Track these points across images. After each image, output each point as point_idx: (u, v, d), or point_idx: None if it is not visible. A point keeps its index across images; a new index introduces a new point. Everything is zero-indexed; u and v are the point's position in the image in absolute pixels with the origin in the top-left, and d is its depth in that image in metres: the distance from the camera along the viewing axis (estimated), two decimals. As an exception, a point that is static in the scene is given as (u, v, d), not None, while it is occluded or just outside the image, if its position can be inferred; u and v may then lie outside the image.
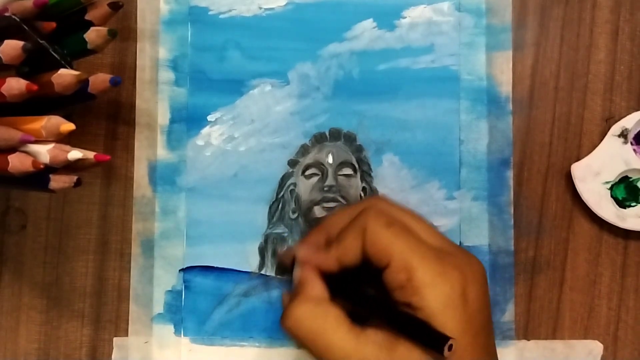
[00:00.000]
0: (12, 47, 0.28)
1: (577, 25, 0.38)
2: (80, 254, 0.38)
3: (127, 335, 0.37)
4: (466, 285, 0.28)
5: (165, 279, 0.37)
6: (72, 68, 0.31)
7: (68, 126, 0.28)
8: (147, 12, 0.38)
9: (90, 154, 0.29)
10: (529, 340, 0.37)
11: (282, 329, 0.30)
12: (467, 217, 0.37)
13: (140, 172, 0.37)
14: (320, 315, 0.29)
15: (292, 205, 0.37)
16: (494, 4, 0.38)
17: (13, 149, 0.28)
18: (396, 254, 0.28)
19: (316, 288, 0.31)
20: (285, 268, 0.36)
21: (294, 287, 0.32)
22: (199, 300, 0.37)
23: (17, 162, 0.27)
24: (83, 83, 0.30)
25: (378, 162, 0.38)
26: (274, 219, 0.37)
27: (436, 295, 0.28)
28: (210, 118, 0.38)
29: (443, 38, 0.38)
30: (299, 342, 0.30)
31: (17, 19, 0.29)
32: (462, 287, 0.28)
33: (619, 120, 0.37)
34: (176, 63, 0.38)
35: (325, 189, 0.37)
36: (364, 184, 0.37)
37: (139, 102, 0.38)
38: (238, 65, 0.38)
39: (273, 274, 0.37)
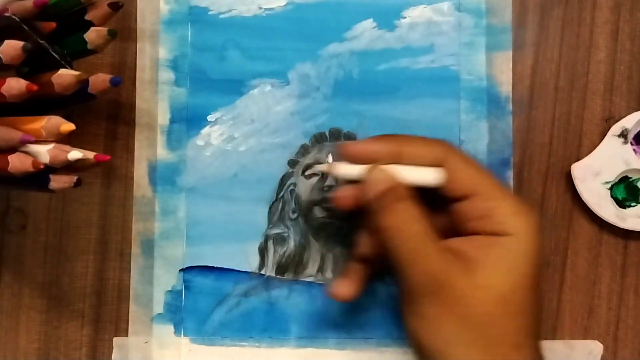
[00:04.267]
0: (12, 47, 0.28)
1: (577, 25, 0.38)
2: (80, 254, 0.38)
3: (127, 335, 0.37)
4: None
5: (165, 279, 0.37)
6: (72, 68, 0.31)
7: (68, 126, 0.28)
8: (147, 12, 0.38)
9: (90, 154, 0.29)
10: (529, 340, 0.37)
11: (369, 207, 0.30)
12: (467, 217, 0.37)
13: (140, 172, 0.37)
14: (422, 218, 0.29)
15: (292, 205, 0.37)
16: (494, 4, 0.38)
17: (13, 149, 0.28)
18: (481, 185, 0.30)
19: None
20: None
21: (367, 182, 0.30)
22: (199, 300, 0.37)
23: (17, 162, 0.27)
24: (83, 83, 0.30)
25: (378, 162, 0.37)
26: (274, 219, 0.37)
27: (523, 222, 0.29)
28: (210, 118, 0.38)
29: (443, 38, 0.38)
30: (390, 233, 0.29)
31: (17, 19, 0.29)
32: (537, 221, 0.30)
33: (619, 120, 0.37)
34: (176, 63, 0.38)
35: (325, 189, 0.37)
36: (364, 184, 0.37)
37: (139, 102, 0.38)
38: (238, 65, 0.38)
39: (273, 274, 0.37)
